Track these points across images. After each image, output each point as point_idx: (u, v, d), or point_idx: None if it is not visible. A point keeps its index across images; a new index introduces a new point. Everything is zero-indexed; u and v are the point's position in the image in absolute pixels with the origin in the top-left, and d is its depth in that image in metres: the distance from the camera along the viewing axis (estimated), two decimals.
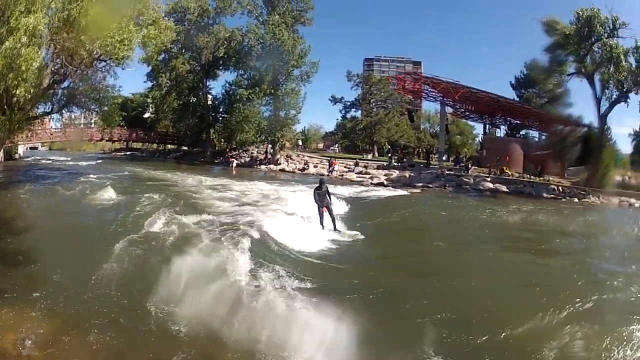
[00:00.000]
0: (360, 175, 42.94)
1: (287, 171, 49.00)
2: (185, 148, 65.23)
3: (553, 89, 43.18)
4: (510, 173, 42.31)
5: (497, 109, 50.06)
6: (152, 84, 62.00)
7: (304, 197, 20.57)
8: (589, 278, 10.80)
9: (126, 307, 8.37)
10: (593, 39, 36.28)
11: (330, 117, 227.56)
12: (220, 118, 61.26)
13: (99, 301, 8.51)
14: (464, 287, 9.93)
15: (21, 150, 50.64)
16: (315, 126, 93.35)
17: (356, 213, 21.30)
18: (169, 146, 69.59)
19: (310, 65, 53.35)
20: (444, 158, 51.92)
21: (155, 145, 72.31)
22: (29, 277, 9.58)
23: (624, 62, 35.02)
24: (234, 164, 49.03)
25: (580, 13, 36.87)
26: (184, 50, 57.85)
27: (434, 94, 48.74)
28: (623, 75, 35.48)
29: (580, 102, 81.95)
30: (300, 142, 62.00)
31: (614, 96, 37.06)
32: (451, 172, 42.59)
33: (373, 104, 72.94)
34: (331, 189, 27.47)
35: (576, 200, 33.16)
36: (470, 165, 47.83)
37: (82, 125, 64.55)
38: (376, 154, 69.97)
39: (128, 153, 70.67)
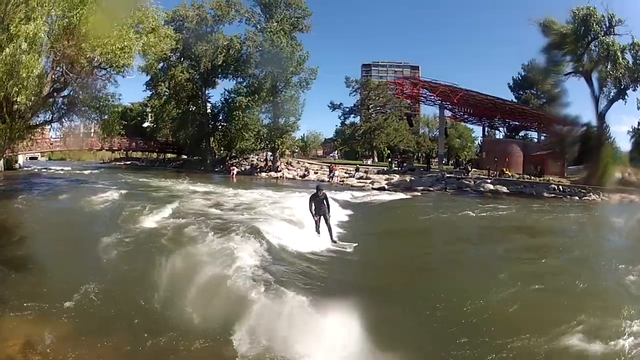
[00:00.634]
0: (361, 181, 43.33)
1: (288, 178, 49.12)
2: (185, 157, 65.58)
3: (551, 89, 43.44)
4: (510, 174, 42.49)
5: (496, 110, 50.17)
6: (151, 93, 62.64)
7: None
8: (592, 274, 10.96)
9: (131, 311, 8.36)
10: (590, 38, 36.49)
11: (330, 123, 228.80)
12: (220, 126, 61.66)
13: (104, 305, 8.54)
14: (466, 287, 9.95)
15: (21, 160, 50.77)
16: (315, 133, 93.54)
17: (357, 217, 21.59)
18: (169, 155, 70.08)
19: (309, 72, 53.62)
20: (444, 161, 52.13)
21: (155, 155, 72.79)
22: (33, 283, 9.59)
23: (621, 59, 35.27)
24: (234, 172, 49.05)
25: (577, 12, 37.11)
26: (182, 59, 58.45)
27: (432, 97, 49.06)
28: (620, 73, 35.74)
29: (579, 101, 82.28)
30: (296, 150, 61.63)
31: (612, 94, 37.38)
32: (451, 175, 42.74)
33: (372, 110, 73.02)
34: (332, 194, 27.95)
35: (577, 198, 33.41)
36: (470, 168, 48.17)
37: (81, 135, 64.65)
38: (376, 159, 70.11)
39: (128, 162, 70.96)
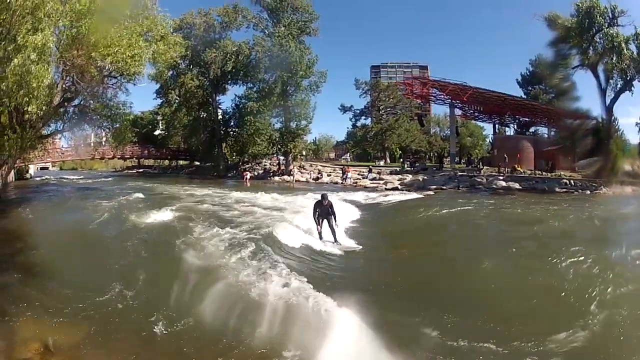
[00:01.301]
0: (374, 182, 43.90)
1: (301, 181, 49.59)
2: (198, 163, 66.10)
3: (559, 83, 43.53)
4: (522, 170, 42.83)
5: (506, 107, 50.57)
6: (161, 101, 63.70)
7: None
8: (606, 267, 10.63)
9: (149, 314, 8.46)
10: (594, 30, 36.69)
11: (341, 126, 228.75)
12: (232, 132, 62.39)
13: (121, 308, 8.70)
14: (481, 286, 9.98)
15: (32, 170, 50.93)
16: (326, 136, 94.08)
17: (372, 217, 22.30)
18: (181, 162, 70.71)
19: (319, 75, 54.02)
20: (456, 160, 52.59)
21: (167, 162, 73.42)
22: (50, 288, 9.73)
23: (625, 51, 35.55)
24: (248, 177, 49.81)
25: (580, 5, 37.33)
26: (191, 66, 59.07)
27: (442, 96, 49.61)
28: (626, 64, 36.00)
29: (586, 95, 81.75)
30: (304, 153, 61.76)
31: (619, 85, 37.60)
32: (464, 174, 43.30)
33: (383, 111, 73.62)
34: (346, 196, 28.91)
35: (588, 192, 33.61)
36: (482, 165, 48.68)
37: (92, 144, 65.30)
38: (388, 160, 70.54)
39: (140, 170, 71.29)
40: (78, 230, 16.50)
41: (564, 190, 34.88)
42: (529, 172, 42.99)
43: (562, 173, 40.90)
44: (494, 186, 37.03)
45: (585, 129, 41.82)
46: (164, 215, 18.30)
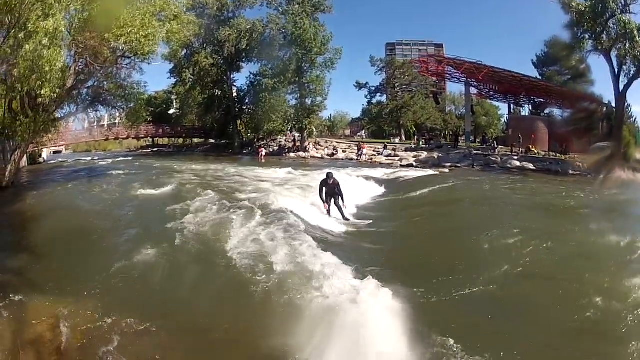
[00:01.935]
0: (390, 158, 44.59)
1: (317, 157, 50.29)
2: (213, 141, 66.48)
3: (575, 65, 43.64)
4: (536, 151, 43.28)
5: (521, 87, 50.75)
6: (175, 80, 63.67)
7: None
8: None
9: (164, 292, 8.63)
10: (607, 15, 36.24)
11: (356, 103, 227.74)
12: (247, 109, 62.91)
13: (137, 286, 8.80)
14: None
15: (45, 154, 50.91)
16: (342, 113, 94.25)
17: (388, 192, 22.87)
18: (196, 140, 71.24)
19: (334, 52, 54.23)
20: (471, 139, 53.00)
21: (181, 140, 73.85)
22: (65, 267, 9.91)
23: (638, 38, 35.05)
24: (263, 153, 50.29)
25: None
26: (205, 45, 59.24)
27: (457, 75, 50.19)
28: (638, 51, 35.51)
29: (600, 79, 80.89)
30: (315, 131, 61.42)
31: (632, 72, 37.09)
32: (479, 152, 43.87)
33: (398, 88, 73.55)
34: (361, 172, 29.61)
35: (601, 176, 33.34)
36: (496, 145, 49.23)
37: (106, 125, 65.78)
38: (404, 138, 70.68)
39: (155, 149, 71.27)
40: (89, 211, 16.36)
41: (578, 173, 35.52)
42: (542, 153, 43.55)
43: (576, 156, 41.13)
44: (509, 166, 37.75)
45: (598, 114, 42.00)
46: (184, 195, 17.71)
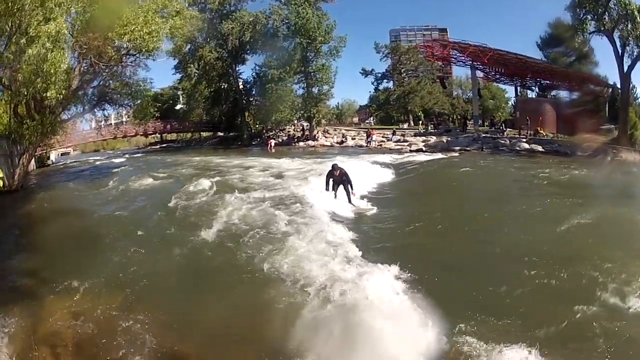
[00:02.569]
0: (399, 144, 44.98)
1: (326, 145, 50.53)
2: (221, 134, 66.28)
3: (579, 47, 43.36)
4: (544, 134, 43.37)
5: (526, 70, 50.57)
6: (180, 75, 63.94)
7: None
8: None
9: (179, 288, 8.84)
10: None
11: (363, 90, 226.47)
12: (254, 100, 62.78)
13: (153, 280, 9.02)
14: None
15: (53, 156, 50.42)
16: (349, 100, 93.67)
17: (398, 176, 23.18)
18: (204, 134, 70.90)
19: (338, 40, 54.16)
20: (479, 123, 52.75)
21: (189, 135, 73.34)
22: (77, 265, 10.02)
23: (639, 19, 34.97)
24: (273, 143, 50.29)
25: None
26: (209, 39, 59.00)
27: (462, 58, 50.08)
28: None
29: (605, 61, 79.95)
30: (322, 121, 60.97)
31: (635, 53, 37.12)
32: (487, 135, 44.08)
33: (404, 74, 73.20)
34: (371, 158, 29.69)
35: (609, 158, 33.70)
36: (505, 127, 49.04)
37: (113, 124, 65.65)
38: (412, 123, 70.52)
39: (163, 145, 70.59)
40: (97, 211, 16.79)
41: (586, 154, 35.05)
42: (550, 135, 43.56)
43: (583, 137, 40.90)
44: (517, 148, 37.94)
45: (604, 95, 41.68)
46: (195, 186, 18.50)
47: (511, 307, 7.35)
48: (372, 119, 79.94)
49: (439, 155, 33.98)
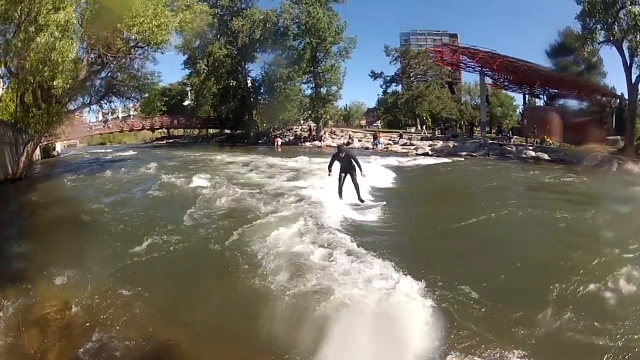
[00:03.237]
0: (405, 147, 44.97)
1: (332, 146, 49.39)
2: (228, 131, 66.78)
3: (588, 56, 43.24)
4: (551, 142, 43.28)
5: (535, 77, 50.61)
6: (189, 71, 64.39)
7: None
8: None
9: (173, 276, 8.74)
10: (618, 6, 35.69)
11: (371, 93, 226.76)
12: (262, 99, 63.01)
13: (144, 268, 8.96)
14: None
15: (59, 147, 51.15)
16: (357, 103, 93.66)
17: (403, 178, 23.07)
18: (211, 131, 71.39)
19: (348, 41, 54.63)
20: (486, 129, 52.65)
21: (196, 131, 74.03)
22: (73, 252, 9.87)
23: None
24: (279, 142, 50.48)
25: None
26: (219, 36, 59.85)
27: (472, 64, 50.31)
28: None
29: (613, 71, 79.87)
30: (330, 122, 61.12)
31: None
32: (494, 142, 43.94)
33: (413, 78, 73.08)
34: (377, 160, 29.47)
35: (614, 168, 33.20)
36: (511, 134, 48.93)
37: (120, 117, 65.88)
38: (419, 128, 70.56)
39: (170, 140, 71.90)
40: (98, 201, 16.62)
41: (592, 164, 34.81)
42: (557, 143, 43.48)
43: (590, 147, 40.69)
44: (524, 155, 37.71)
45: (612, 105, 41.49)
46: (201, 182, 18.60)
47: (511, 307, 7.20)
48: (379, 122, 79.99)
49: (445, 160, 34.03)
